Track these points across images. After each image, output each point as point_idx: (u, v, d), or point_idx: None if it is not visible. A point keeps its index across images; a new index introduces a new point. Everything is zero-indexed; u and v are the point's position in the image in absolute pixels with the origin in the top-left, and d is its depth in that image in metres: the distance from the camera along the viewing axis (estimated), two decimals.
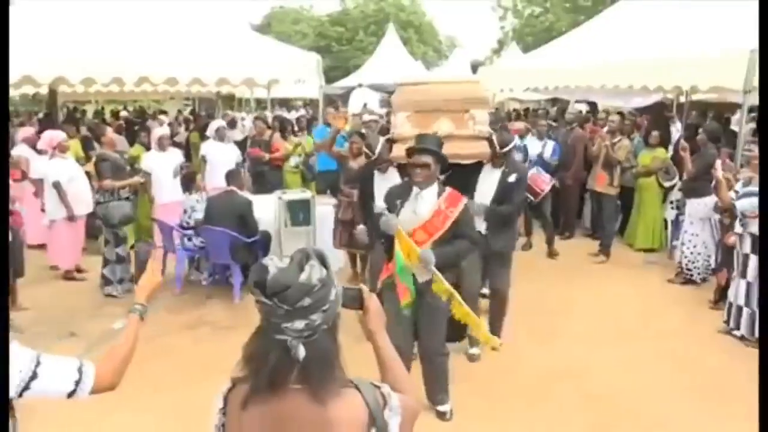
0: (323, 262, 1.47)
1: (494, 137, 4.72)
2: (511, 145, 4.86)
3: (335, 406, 1.44)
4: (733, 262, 5.58)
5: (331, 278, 1.47)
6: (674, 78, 7.75)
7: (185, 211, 6.76)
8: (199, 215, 6.57)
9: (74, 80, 7.57)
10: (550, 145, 8.35)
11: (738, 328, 5.43)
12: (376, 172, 5.16)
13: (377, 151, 5.06)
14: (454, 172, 4.48)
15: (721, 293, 6.03)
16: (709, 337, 5.56)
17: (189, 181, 6.96)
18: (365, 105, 15.04)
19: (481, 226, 4.76)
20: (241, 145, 10.19)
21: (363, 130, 7.49)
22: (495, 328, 4.93)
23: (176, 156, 8.15)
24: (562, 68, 9.02)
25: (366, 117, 10.31)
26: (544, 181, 7.73)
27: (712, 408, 4.34)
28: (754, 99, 7.29)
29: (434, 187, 3.77)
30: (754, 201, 5.11)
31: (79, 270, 7.21)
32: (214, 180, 8.09)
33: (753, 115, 9.64)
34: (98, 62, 6.94)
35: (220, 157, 8.51)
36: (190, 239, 6.67)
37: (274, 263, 1.45)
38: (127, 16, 7.55)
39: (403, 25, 37.07)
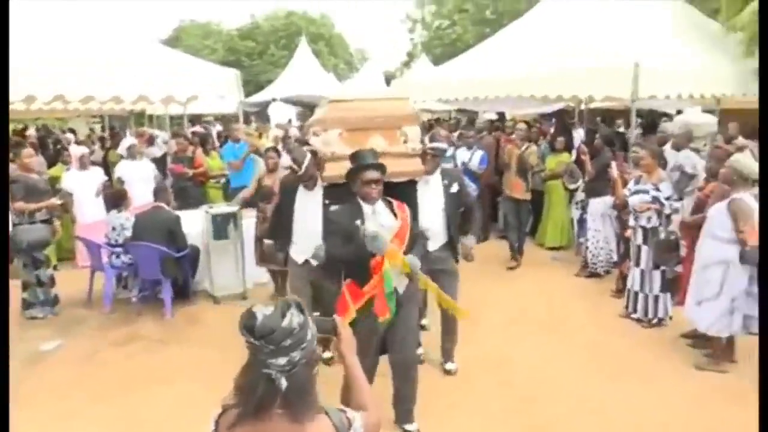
0: (301, 309, 1.77)
1: (425, 138, 4.77)
2: (439, 144, 4.90)
3: (310, 428, 1.73)
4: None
5: (308, 322, 1.77)
6: (572, 88, 8.46)
7: (114, 229, 6.74)
8: (129, 233, 6.60)
9: None
10: (478, 154, 8.74)
11: (635, 312, 6.05)
12: (300, 188, 4.87)
13: (304, 165, 4.72)
14: (387, 190, 4.43)
15: (623, 282, 6.63)
16: (611, 322, 6.14)
17: (119, 199, 6.92)
18: (290, 120, 15.12)
19: (429, 245, 4.66)
20: (160, 161, 10.18)
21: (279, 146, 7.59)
22: (450, 341, 5.09)
23: (98, 175, 8.14)
24: (472, 80, 9.54)
25: (292, 131, 10.46)
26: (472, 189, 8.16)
27: (616, 384, 4.86)
28: (639, 106, 8.12)
29: (380, 201, 3.83)
30: (643, 197, 5.76)
31: None
32: (133, 198, 8.09)
33: (640, 121, 10.56)
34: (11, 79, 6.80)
35: (135, 174, 8.54)
36: (118, 257, 6.68)
37: (261, 311, 1.73)
38: (39, 33, 7.44)
39: (314, 38, 37.28)
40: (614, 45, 8.29)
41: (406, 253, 3.78)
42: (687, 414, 4.37)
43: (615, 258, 7.30)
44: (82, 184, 7.84)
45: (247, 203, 8.19)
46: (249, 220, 7.08)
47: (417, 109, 5.08)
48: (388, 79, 27.75)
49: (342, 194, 4.06)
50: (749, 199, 4.72)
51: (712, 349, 5.15)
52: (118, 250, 6.65)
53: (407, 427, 4.14)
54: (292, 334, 1.71)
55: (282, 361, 1.70)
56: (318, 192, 4.71)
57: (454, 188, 4.84)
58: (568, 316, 6.37)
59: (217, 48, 38.91)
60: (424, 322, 5.60)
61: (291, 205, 4.91)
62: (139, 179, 8.27)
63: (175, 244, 6.46)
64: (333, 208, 4.15)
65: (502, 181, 8.52)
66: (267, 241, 5.29)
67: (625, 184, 6.26)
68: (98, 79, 7.71)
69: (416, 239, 3.91)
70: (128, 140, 9.20)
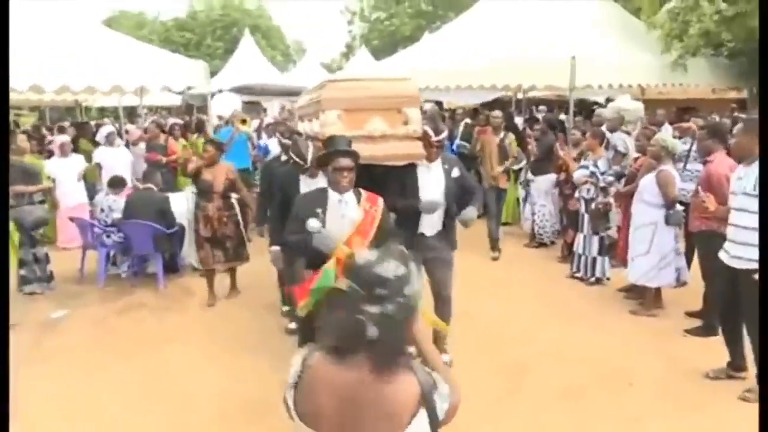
0: (404, 261, 1.73)
1: (426, 127, 4.56)
2: (444, 134, 4.74)
3: (395, 380, 1.66)
4: (576, 224, 7.14)
5: (409, 276, 1.71)
6: (518, 78, 9.44)
7: (102, 210, 7.22)
8: (117, 214, 7.09)
9: None
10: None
11: (578, 271, 7.01)
12: (302, 178, 4.65)
13: (309, 158, 4.51)
14: (387, 174, 4.36)
15: (568, 249, 7.58)
16: (559, 281, 7.10)
17: (118, 184, 7.41)
18: (264, 110, 15.42)
19: (425, 228, 4.64)
20: None
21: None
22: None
23: (78, 161, 8.55)
24: (425, 70, 10.34)
25: (266, 120, 10.87)
26: None
27: (568, 328, 5.77)
28: (575, 95, 9.14)
29: (351, 191, 3.66)
30: (584, 171, 6.77)
31: None
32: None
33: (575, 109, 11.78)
34: None
35: (113, 161, 8.98)
36: (108, 236, 7.15)
37: (362, 256, 1.73)
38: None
39: (251, 30, 37.39)
40: (553, 39, 9.29)
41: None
42: (625, 348, 5.29)
43: (558, 228, 8.27)
44: (64, 170, 8.22)
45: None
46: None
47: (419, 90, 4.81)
48: (330, 71, 28.38)
49: None
50: (672, 170, 5.71)
51: (644, 298, 6.12)
52: (111, 229, 7.12)
53: None
54: (388, 283, 1.66)
55: (374, 309, 1.63)
56: (321, 178, 4.37)
57: (455, 173, 4.71)
58: (523, 277, 7.27)
59: (153, 39, 38.38)
60: None
61: (296, 195, 4.44)
62: (117, 165, 8.70)
63: (165, 222, 6.98)
64: (305, 191, 3.99)
65: (481, 170, 8.46)
66: (274, 249, 4.93)
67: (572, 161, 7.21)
68: (73, 69, 8.11)
69: (387, 235, 3.64)
70: (107, 129, 9.57)
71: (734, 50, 11.03)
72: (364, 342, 1.63)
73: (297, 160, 4.63)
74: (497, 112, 8.73)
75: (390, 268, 1.69)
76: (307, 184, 4.53)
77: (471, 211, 4.74)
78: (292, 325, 5.50)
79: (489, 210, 8.25)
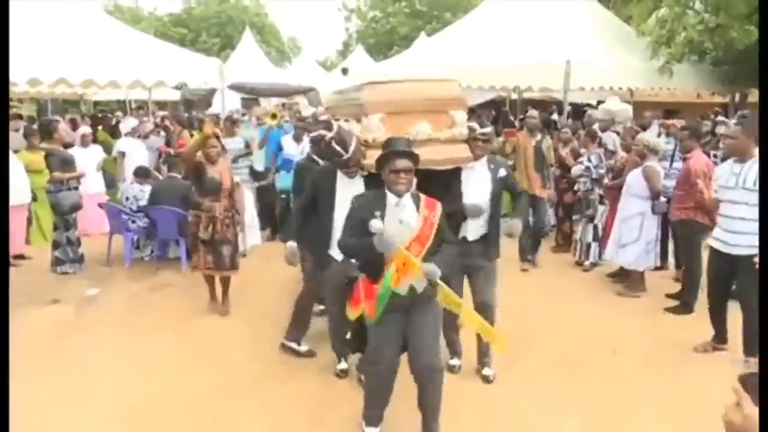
0: None
1: (471, 122, 4.38)
2: (490, 128, 4.60)
3: None
4: (570, 216, 7.81)
5: None
6: (516, 80, 10.04)
7: (127, 198, 7.78)
8: (142, 202, 7.64)
9: None
10: None
11: (574, 256, 7.70)
12: (340, 176, 4.25)
13: (351, 148, 4.03)
14: (431, 178, 4.09)
15: (562, 238, 8.21)
16: (553, 267, 7.77)
17: (146, 174, 8.00)
18: (283, 105, 15.78)
19: (468, 233, 4.44)
20: None
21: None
22: (484, 345, 4.75)
23: (98, 152, 9.07)
24: (427, 70, 10.92)
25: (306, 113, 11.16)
26: None
27: (556, 303, 6.42)
28: (569, 97, 9.77)
29: (409, 194, 3.53)
30: (580, 167, 7.35)
31: (22, 257, 7.82)
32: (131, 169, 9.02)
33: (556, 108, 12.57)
34: None
35: (134, 150, 9.61)
36: (134, 221, 7.67)
37: None
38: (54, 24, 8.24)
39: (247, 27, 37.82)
40: (549, 43, 9.91)
41: (427, 257, 3.46)
42: (611, 324, 5.90)
43: (553, 221, 8.89)
44: (84, 160, 8.71)
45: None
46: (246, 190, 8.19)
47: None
48: (325, 69, 28.92)
49: (381, 185, 3.63)
50: (657, 165, 6.34)
51: (629, 281, 6.75)
52: (138, 215, 7.64)
53: None
54: None
55: None
56: (359, 181, 4.19)
57: (501, 173, 4.49)
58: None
59: (149, 33, 38.67)
60: None
61: (331, 195, 4.28)
62: (138, 154, 9.29)
63: (189, 208, 7.49)
64: (358, 195, 3.80)
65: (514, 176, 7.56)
66: (290, 244, 4.64)
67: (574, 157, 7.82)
68: (96, 64, 8.67)
69: (443, 242, 3.60)
70: (131, 121, 10.15)
71: (716, 58, 11.74)
72: None
73: (337, 148, 4.05)
74: (534, 112, 8.09)
75: None
76: (344, 183, 4.25)
77: (515, 224, 4.55)
78: (321, 307, 5.53)
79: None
